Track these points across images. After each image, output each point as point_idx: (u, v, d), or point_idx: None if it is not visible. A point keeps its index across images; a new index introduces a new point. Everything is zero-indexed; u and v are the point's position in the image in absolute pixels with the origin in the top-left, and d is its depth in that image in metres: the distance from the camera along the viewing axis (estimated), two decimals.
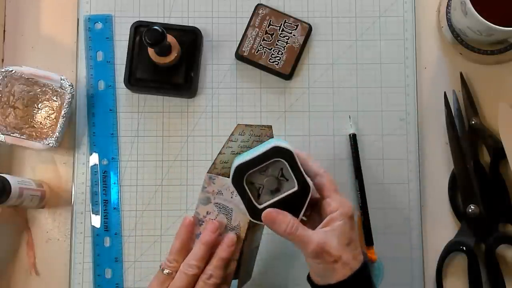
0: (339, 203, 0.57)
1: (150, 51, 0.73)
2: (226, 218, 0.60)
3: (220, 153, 0.60)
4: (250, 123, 0.61)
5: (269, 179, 0.58)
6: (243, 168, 0.57)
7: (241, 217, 0.60)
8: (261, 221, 0.57)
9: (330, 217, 0.57)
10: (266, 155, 0.57)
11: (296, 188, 0.57)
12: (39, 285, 0.75)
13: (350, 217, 0.57)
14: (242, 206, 0.58)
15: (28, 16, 0.79)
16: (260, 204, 0.57)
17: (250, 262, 0.68)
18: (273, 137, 0.62)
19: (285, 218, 0.57)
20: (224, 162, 0.61)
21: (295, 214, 0.58)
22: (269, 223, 0.57)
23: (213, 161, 0.61)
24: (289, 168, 0.57)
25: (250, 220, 0.59)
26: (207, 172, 0.61)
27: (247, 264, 0.66)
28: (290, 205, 0.57)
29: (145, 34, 0.69)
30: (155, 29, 0.69)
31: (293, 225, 0.56)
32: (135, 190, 0.76)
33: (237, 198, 0.58)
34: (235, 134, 0.60)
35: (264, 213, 0.57)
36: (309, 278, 0.60)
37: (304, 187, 0.57)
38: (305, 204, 0.57)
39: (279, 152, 0.57)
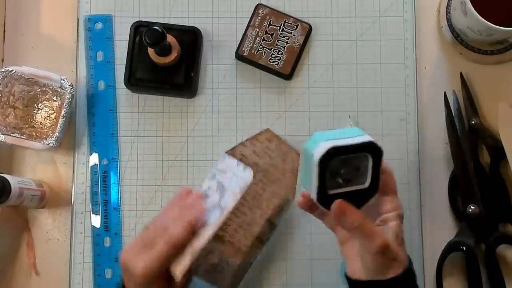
0: (396, 205, 0.59)
1: (150, 51, 0.73)
2: (219, 196, 0.60)
3: (243, 144, 0.59)
4: (279, 135, 0.59)
5: (348, 169, 0.56)
6: (335, 152, 0.54)
7: (229, 201, 0.59)
8: (325, 207, 0.56)
9: (386, 216, 0.58)
10: (361, 146, 0.55)
11: (365, 186, 0.56)
12: (39, 285, 0.75)
13: (402, 219, 0.59)
14: (237, 191, 0.56)
15: (28, 16, 0.79)
16: (328, 189, 0.56)
17: (239, 277, 0.69)
18: (298, 161, 0.61)
19: (354, 211, 0.56)
20: (243, 155, 0.60)
21: None
22: (338, 213, 0.56)
23: (235, 145, 0.60)
24: (371, 166, 0.56)
25: (234, 204, 0.57)
26: (225, 152, 0.60)
27: (236, 278, 0.66)
28: (353, 198, 0.56)
29: (145, 34, 0.69)
30: (155, 29, 0.69)
31: (362, 218, 0.56)
32: (135, 190, 0.76)
33: (234, 181, 0.57)
34: (262, 136, 0.59)
35: (335, 203, 0.56)
36: (347, 276, 0.59)
37: (373, 188, 0.56)
38: (366, 203, 0.57)
39: (372, 148, 0.55)
